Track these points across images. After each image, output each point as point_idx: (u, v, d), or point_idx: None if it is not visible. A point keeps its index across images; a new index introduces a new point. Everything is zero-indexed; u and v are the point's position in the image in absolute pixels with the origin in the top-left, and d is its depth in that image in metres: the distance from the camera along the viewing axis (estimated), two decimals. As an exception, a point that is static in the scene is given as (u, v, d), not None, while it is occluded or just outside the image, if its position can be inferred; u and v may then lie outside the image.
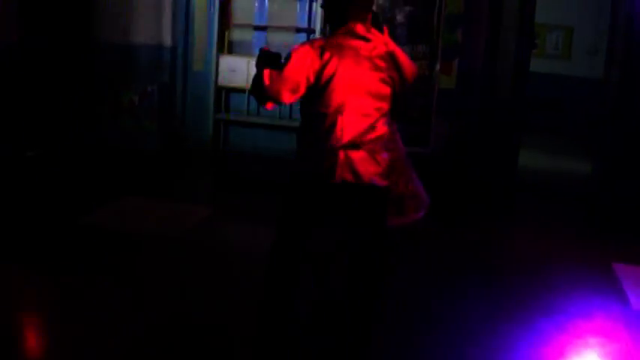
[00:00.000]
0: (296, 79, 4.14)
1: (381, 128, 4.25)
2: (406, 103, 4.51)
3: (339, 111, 4.17)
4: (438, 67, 8.96)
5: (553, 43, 14.82)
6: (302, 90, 4.18)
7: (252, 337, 4.42)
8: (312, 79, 4.16)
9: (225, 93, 10.28)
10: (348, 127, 4.16)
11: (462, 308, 5.50)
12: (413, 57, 8.80)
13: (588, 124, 12.31)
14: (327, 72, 4.15)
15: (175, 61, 10.71)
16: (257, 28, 9.86)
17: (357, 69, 4.19)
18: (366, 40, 4.25)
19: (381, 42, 4.30)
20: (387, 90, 4.26)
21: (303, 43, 4.34)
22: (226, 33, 10.19)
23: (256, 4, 10.40)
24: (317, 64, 4.15)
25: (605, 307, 5.68)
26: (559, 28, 14.68)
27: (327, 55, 4.16)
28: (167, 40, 10.50)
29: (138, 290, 5.47)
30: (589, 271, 6.59)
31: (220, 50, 10.05)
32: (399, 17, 9.05)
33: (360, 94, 4.19)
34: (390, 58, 4.29)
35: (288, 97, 4.19)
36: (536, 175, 10.26)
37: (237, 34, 10.26)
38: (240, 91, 10.04)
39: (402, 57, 4.36)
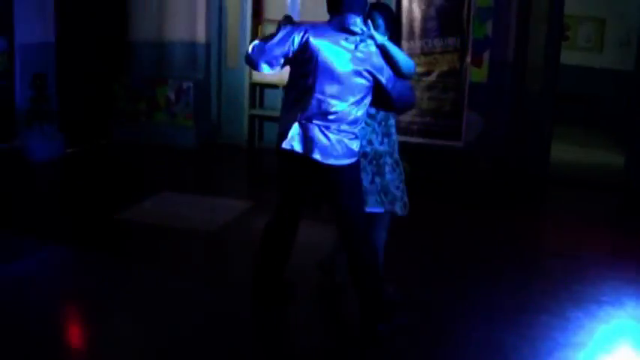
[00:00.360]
0: (274, 54, 4.58)
1: (347, 113, 4.54)
2: (401, 96, 4.63)
3: (308, 90, 4.57)
4: (468, 59, 9.02)
5: (585, 35, 14.72)
6: (277, 66, 4.64)
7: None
8: (290, 58, 4.61)
9: (260, 89, 10.45)
10: (312, 105, 4.55)
11: (499, 295, 5.61)
12: (444, 50, 8.93)
13: (621, 116, 12.26)
14: (306, 55, 4.55)
15: (210, 58, 10.90)
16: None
17: (333, 57, 4.52)
18: (351, 32, 4.54)
19: (369, 36, 4.57)
20: (361, 80, 4.55)
21: (292, 24, 4.67)
22: (259, 29, 10.33)
23: (288, 0, 10.56)
24: (297, 46, 4.56)
25: (636, 297, 5.72)
26: (590, 19, 14.57)
27: (308, 40, 4.53)
28: (201, 37, 10.70)
29: (178, 281, 5.63)
30: (620, 260, 6.64)
31: (254, 45, 10.17)
32: (430, 11, 9.12)
33: (331, 79, 4.53)
34: (381, 52, 4.56)
35: (263, 68, 4.64)
36: (570, 168, 10.24)
37: (270, 30, 10.38)
38: (274, 87, 10.20)
39: (394, 51, 4.57)
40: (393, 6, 9.10)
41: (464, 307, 5.36)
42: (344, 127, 4.55)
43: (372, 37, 4.55)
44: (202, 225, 7.02)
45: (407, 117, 9.21)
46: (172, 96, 10.67)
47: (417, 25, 9.18)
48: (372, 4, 4.90)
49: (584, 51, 14.70)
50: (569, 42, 14.29)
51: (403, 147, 8.47)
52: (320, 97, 4.55)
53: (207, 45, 10.87)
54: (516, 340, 4.79)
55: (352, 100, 4.55)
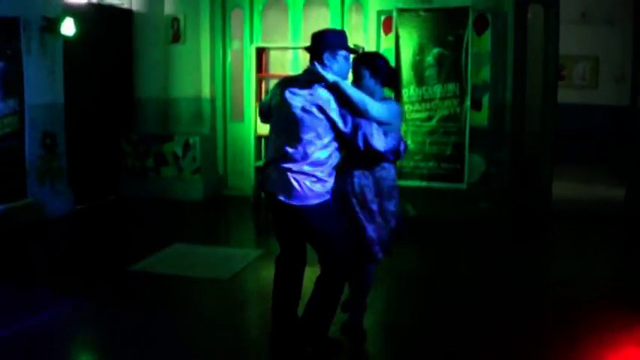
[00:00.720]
0: (264, 108, 5.12)
1: (303, 155, 4.65)
2: (364, 138, 4.67)
3: (270, 134, 4.94)
4: (468, 104, 9.25)
5: (580, 73, 15.01)
6: (268, 117, 5.00)
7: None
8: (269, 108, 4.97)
9: (265, 141, 10.64)
10: (271, 148, 4.89)
11: (504, 333, 5.76)
12: (444, 96, 9.17)
13: (619, 151, 12.47)
14: (273, 103, 4.89)
15: (215, 112, 11.17)
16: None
17: (287, 101, 4.72)
18: (307, 76, 4.78)
19: (321, 77, 4.70)
20: (311, 118, 4.63)
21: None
22: (263, 82, 10.58)
23: (289, 55, 10.86)
24: (271, 96, 4.96)
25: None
26: (584, 58, 14.88)
27: (277, 89, 4.87)
28: (206, 93, 10.97)
29: (198, 327, 5.78)
30: (628, 291, 6.78)
31: (258, 99, 10.44)
32: (429, 59, 9.38)
33: (283, 122, 4.75)
34: (332, 91, 4.67)
35: (262, 121, 5.19)
36: (571, 204, 10.41)
37: (273, 84, 10.65)
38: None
39: (349, 91, 4.65)
40: (393, 55, 9.37)
41: (473, 347, 5.51)
42: (305, 168, 4.65)
43: (323, 78, 4.65)
44: (215, 273, 7.19)
45: (410, 162, 9.45)
46: (179, 151, 10.91)
47: (417, 72, 9.43)
48: (358, 56, 5.12)
49: (580, 89, 14.98)
50: (565, 81, 14.57)
51: (407, 191, 8.74)
52: (276, 139, 4.81)
53: (212, 100, 11.15)
54: None
55: (306, 139, 4.64)
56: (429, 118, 9.47)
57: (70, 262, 7.84)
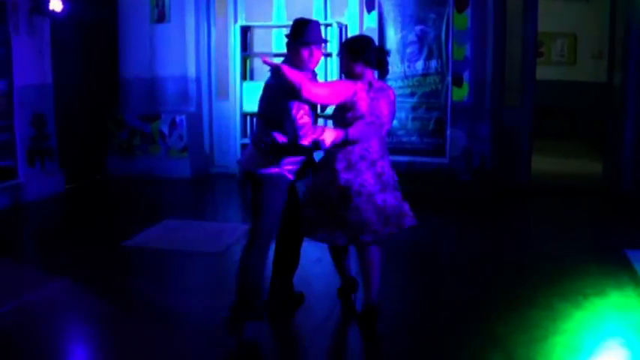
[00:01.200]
0: None
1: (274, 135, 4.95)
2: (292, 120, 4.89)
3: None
4: (449, 80, 9.46)
5: (558, 50, 15.23)
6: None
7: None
8: None
9: (250, 118, 10.81)
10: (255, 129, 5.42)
11: (491, 293, 6.01)
12: (425, 73, 9.38)
13: (597, 126, 12.73)
14: None
15: (200, 91, 11.32)
16: (276, 55, 10.27)
17: None
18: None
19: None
20: (272, 104, 4.97)
21: None
22: (247, 61, 10.74)
23: (274, 33, 11.02)
24: None
25: (619, 287, 6.13)
26: (562, 35, 15.09)
27: None
28: (192, 72, 11.10)
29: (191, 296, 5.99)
30: (603, 256, 7.05)
31: (243, 78, 10.59)
32: (411, 36, 9.58)
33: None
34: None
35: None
36: (551, 177, 10.67)
37: (258, 62, 10.82)
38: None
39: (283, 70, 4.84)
40: (376, 33, 9.57)
41: (460, 306, 5.76)
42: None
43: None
44: (208, 247, 7.40)
45: (394, 137, 9.67)
46: (166, 129, 11.07)
47: (400, 50, 9.63)
48: (343, 41, 5.43)
49: (558, 65, 15.20)
50: (544, 58, 14.80)
51: (392, 166, 8.92)
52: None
53: (198, 79, 11.29)
54: (509, 331, 5.18)
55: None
56: (412, 95, 9.68)
57: (64, 240, 8.02)
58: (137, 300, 6.05)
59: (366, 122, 4.99)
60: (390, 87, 5.34)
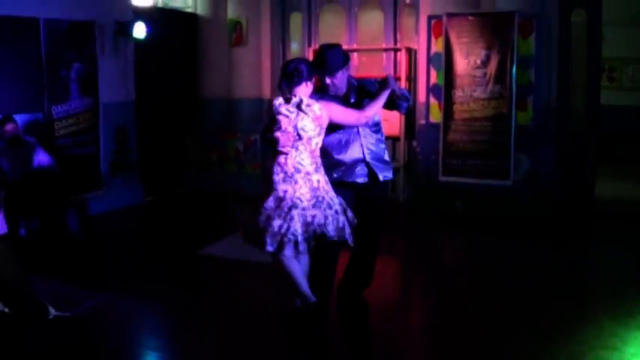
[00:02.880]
0: None
1: None
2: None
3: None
4: (513, 104, 9.69)
5: (630, 75, 15.25)
6: None
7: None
8: None
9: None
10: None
11: (548, 315, 6.25)
12: (490, 97, 9.64)
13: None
14: None
15: (275, 112, 11.78)
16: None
17: None
18: None
19: None
20: None
21: None
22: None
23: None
24: None
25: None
26: (634, 60, 15.09)
27: None
28: (267, 93, 11.61)
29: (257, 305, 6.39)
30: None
31: (315, 99, 11.00)
32: (476, 61, 9.84)
33: None
34: None
35: None
36: (616, 203, 10.69)
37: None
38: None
39: None
40: (442, 59, 9.90)
41: (510, 322, 6.02)
42: None
43: None
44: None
45: (459, 160, 9.96)
46: (241, 147, 11.58)
47: (465, 74, 9.90)
48: None
49: (630, 91, 15.19)
50: (615, 83, 14.87)
51: (456, 187, 9.26)
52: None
53: (272, 100, 11.75)
54: (553, 347, 5.43)
55: None
56: (477, 118, 9.93)
57: (141, 247, 8.57)
58: (205, 305, 6.49)
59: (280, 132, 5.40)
60: (315, 102, 5.52)
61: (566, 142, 10.11)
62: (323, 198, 5.40)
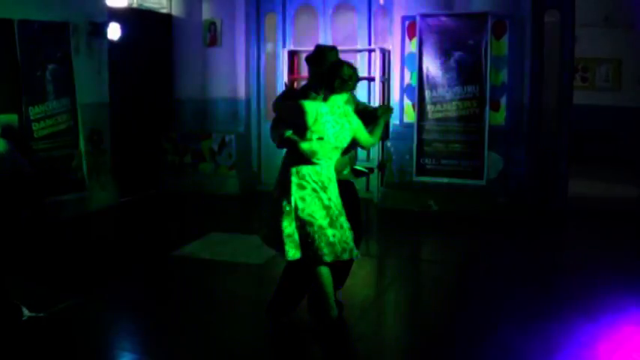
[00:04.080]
0: None
1: None
2: None
3: None
4: (487, 104, 9.77)
5: (603, 75, 15.39)
6: None
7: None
8: None
9: (296, 138, 11.19)
10: None
11: (514, 306, 6.31)
12: (464, 97, 9.71)
13: (638, 151, 12.82)
14: None
15: (250, 112, 11.85)
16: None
17: None
18: None
19: None
20: None
21: None
22: (295, 84, 11.16)
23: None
24: None
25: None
26: (607, 60, 15.25)
27: None
28: (242, 94, 11.64)
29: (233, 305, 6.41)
30: (633, 277, 7.23)
31: (290, 100, 11.02)
32: (450, 62, 9.92)
33: None
34: None
35: None
36: (588, 201, 10.79)
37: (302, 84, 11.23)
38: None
39: None
40: (416, 60, 9.97)
41: (482, 318, 6.08)
42: None
43: None
44: (250, 259, 7.83)
45: (433, 160, 10.03)
46: (216, 148, 11.59)
47: (439, 75, 9.97)
48: None
49: (603, 91, 15.34)
50: (588, 83, 15.01)
51: (430, 187, 9.31)
52: None
53: (247, 100, 11.83)
54: (526, 344, 5.49)
55: None
56: (451, 118, 10.01)
57: (116, 248, 8.56)
58: (179, 305, 6.50)
59: None
60: None
61: (539, 142, 10.22)
62: None
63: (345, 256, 5.36)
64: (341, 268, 6.16)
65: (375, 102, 10.44)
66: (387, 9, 10.94)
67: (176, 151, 11.86)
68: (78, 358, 5.39)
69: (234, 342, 5.67)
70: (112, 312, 6.35)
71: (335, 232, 5.29)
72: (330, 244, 5.26)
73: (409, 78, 10.38)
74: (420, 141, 10.19)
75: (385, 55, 10.80)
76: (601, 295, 6.65)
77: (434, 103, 10.01)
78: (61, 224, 9.27)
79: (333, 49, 5.89)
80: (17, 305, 5.86)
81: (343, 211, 5.41)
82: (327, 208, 5.29)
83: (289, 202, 5.26)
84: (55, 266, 7.63)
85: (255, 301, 6.33)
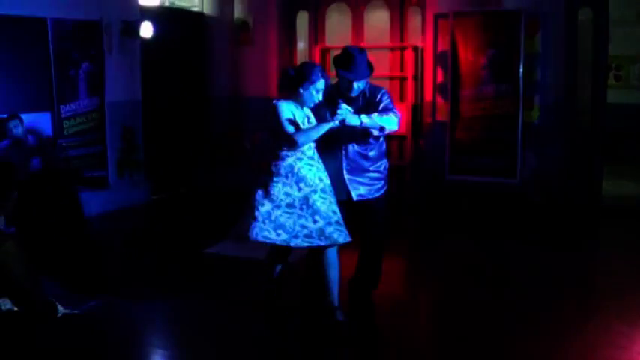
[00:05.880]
0: None
1: None
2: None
3: None
4: (520, 103, 9.70)
5: (636, 74, 15.19)
6: None
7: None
8: None
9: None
10: None
11: (555, 314, 6.26)
12: (497, 95, 9.65)
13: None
14: None
15: (282, 110, 11.82)
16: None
17: None
18: None
19: None
20: None
21: None
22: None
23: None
24: None
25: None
26: (642, 59, 15.05)
27: None
28: (273, 91, 11.61)
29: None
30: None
31: (322, 98, 11.03)
32: (482, 60, 9.86)
33: None
34: None
35: None
36: (623, 201, 10.67)
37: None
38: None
39: None
40: (449, 58, 9.92)
41: (518, 320, 6.04)
42: None
43: None
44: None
45: (466, 158, 9.98)
46: (248, 145, 11.60)
47: (472, 73, 9.92)
48: None
49: (636, 89, 15.13)
50: (622, 82, 14.83)
51: (464, 186, 9.29)
52: None
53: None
54: (560, 346, 5.44)
55: None
56: (484, 117, 9.95)
57: (148, 246, 8.62)
58: (209, 302, 6.53)
59: None
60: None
61: (573, 141, 10.12)
62: None
63: None
64: (368, 270, 6.21)
65: (408, 100, 10.43)
66: (419, 6, 10.88)
67: (209, 149, 11.89)
68: (110, 353, 5.42)
69: (263, 339, 5.70)
70: (143, 309, 6.39)
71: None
72: None
73: (442, 76, 10.34)
74: (453, 139, 10.14)
75: (417, 52, 10.76)
76: (637, 295, 6.59)
77: (467, 101, 9.95)
78: (93, 221, 9.32)
79: (361, 51, 5.86)
80: (53, 302, 5.90)
81: None
82: None
83: None
84: (88, 262, 7.68)
85: (285, 299, 6.33)
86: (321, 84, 5.54)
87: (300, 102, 5.61)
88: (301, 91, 5.56)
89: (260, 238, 5.47)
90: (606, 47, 10.00)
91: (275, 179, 5.56)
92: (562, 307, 6.33)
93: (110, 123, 10.10)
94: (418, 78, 10.78)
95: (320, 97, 5.60)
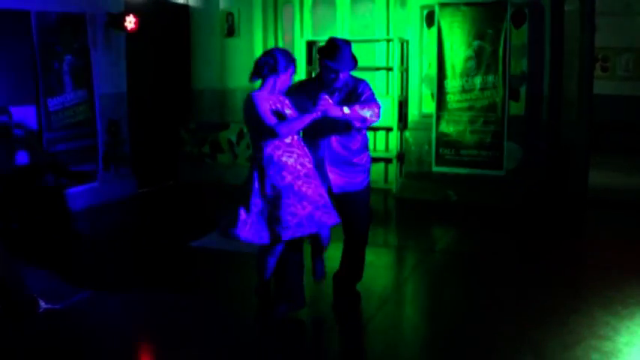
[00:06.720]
0: None
1: None
2: None
3: None
4: (506, 94, 9.69)
5: (623, 65, 15.21)
6: None
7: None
8: None
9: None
10: None
11: (533, 299, 6.25)
12: (483, 87, 9.63)
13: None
14: None
15: (267, 102, 11.77)
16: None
17: None
18: None
19: None
20: None
21: None
22: (312, 74, 11.11)
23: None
24: None
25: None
26: (628, 50, 15.05)
27: None
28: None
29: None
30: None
31: (307, 90, 10.99)
32: (469, 51, 9.84)
33: None
34: None
35: None
36: (609, 192, 10.68)
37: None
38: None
39: None
40: (436, 50, 9.90)
41: (498, 311, 6.03)
42: None
43: None
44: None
45: (453, 150, 9.96)
46: (234, 139, 11.57)
47: (458, 64, 9.90)
48: None
49: (623, 80, 15.16)
50: (609, 72, 14.85)
51: (449, 177, 9.28)
52: None
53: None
54: (544, 336, 5.44)
55: None
56: (470, 108, 9.93)
57: (133, 239, 8.57)
58: (196, 295, 6.49)
59: None
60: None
61: (559, 132, 10.12)
62: None
63: None
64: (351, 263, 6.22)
65: (394, 92, 10.40)
66: (405, -2, 10.85)
67: (194, 141, 11.86)
68: (93, 348, 5.40)
69: (250, 332, 5.68)
70: (128, 304, 6.35)
71: None
72: None
73: (428, 68, 10.32)
74: (439, 131, 10.12)
75: (403, 44, 10.72)
76: (622, 286, 6.59)
77: (453, 93, 9.93)
78: (78, 215, 9.28)
79: (346, 43, 5.80)
80: (34, 297, 5.87)
81: None
82: None
83: None
84: (71, 257, 7.65)
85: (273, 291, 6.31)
86: (290, 68, 5.51)
87: (273, 89, 5.55)
88: (273, 78, 5.51)
89: (255, 240, 5.61)
90: (593, 38, 9.98)
91: (257, 173, 5.53)
92: (547, 298, 6.32)
93: (98, 116, 10.05)
94: (404, 70, 10.75)
95: (292, 80, 5.62)
